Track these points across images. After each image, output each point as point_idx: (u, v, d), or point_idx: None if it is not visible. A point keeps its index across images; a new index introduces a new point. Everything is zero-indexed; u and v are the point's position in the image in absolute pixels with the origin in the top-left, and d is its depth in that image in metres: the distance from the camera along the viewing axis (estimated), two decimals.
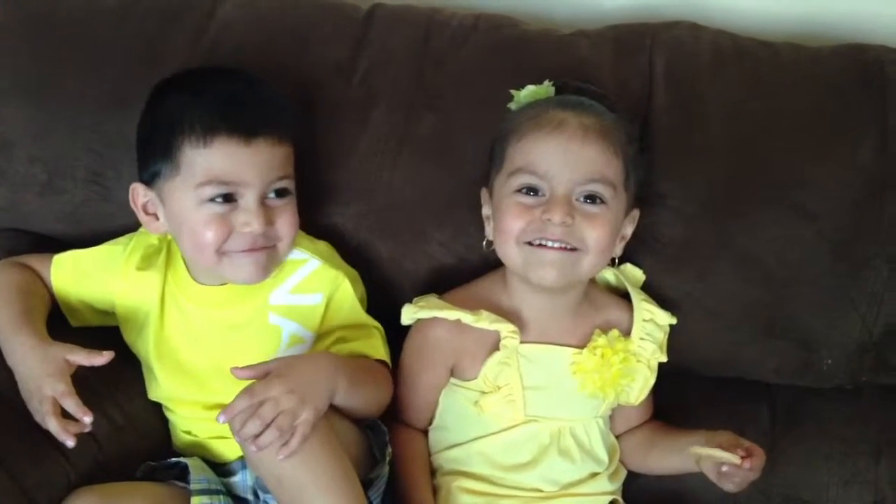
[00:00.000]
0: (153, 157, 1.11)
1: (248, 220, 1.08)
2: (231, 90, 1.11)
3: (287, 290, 1.16)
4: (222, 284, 1.15)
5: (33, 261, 1.20)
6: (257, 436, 0.96)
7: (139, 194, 1.13)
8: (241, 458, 1.14)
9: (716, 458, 1.09)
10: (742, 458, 1.08)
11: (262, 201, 1.09)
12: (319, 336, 1.17)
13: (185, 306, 1.17)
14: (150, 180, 1.12)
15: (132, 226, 1.21)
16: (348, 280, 1.17)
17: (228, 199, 1.08)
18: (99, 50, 1.25)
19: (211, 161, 1.07)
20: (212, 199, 1.08)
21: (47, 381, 1.04)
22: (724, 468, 1.09)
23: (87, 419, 1.03)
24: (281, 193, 1.11)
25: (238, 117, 1.07)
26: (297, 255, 1.17)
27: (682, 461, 1.16)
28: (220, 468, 1.16)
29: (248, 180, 1.08)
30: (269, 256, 1.12)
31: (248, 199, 1.08)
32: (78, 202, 1.25)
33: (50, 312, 1.17)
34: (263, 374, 1.00)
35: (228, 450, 1.16)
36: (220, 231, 1.08)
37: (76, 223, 1.27)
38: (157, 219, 1.13)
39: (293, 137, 1.13)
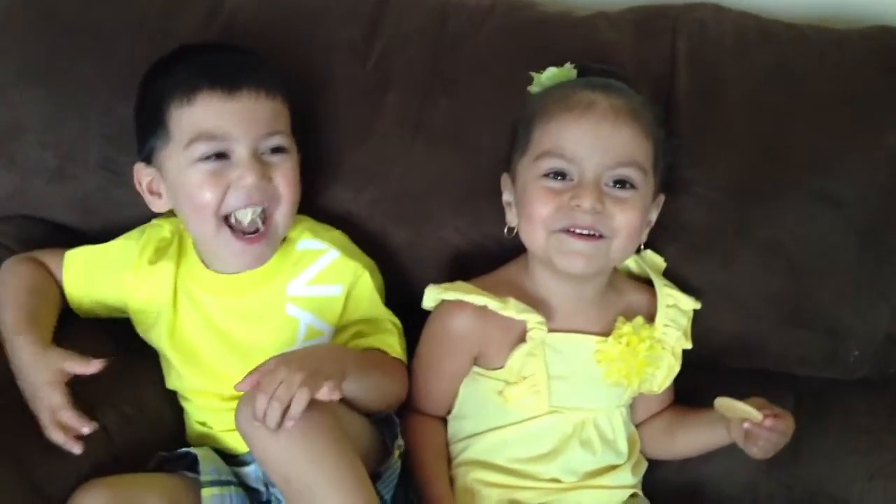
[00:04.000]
0: (147, 131, 1.11)
1: (241, 172, 1.07)
2: (211, 53, 1.13)
3: (305, 281, 1.15)
4: (238, 272, 1.14)
5: (47, 257, 1.19)
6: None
7: (142, 173, 1.13)
8: None
9: (737, 411, 1.07)
10: (766, 416, 1.05)
11: (256, 156, 1.08)
12: (337, 329, 1.15)
13: (198, 295, 1.15)
14: (148, 157, 1.12)
15: (143, 214, 1.20)
16: (367, 271, 1.15)
17: (220, 156, 1.07)
18: (110, 33, 1.23)
19: (196, 117, 1.07)
20: (203, 159, 1.07)
21: (44, 389, 1.03)
22: (746, 425, 1.07)
23: (86, 430, 1.02)
24: (276, 151, 1.10)
25: (218, 72, 1.08)
26: (316, 244, 1.15)
27: (712, 434, 1.15)
28: (233, 458, 1.15)
29: (236, 133, 1.07)
30: (264, 246, 1.11)
31: (240, 152, 1.07)
32: (89, 189, 1.24)
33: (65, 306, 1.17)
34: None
35: (242, 443, 1.12)
36: (216, 188, 1.07)
37: (87, 211, 1.25)
38: (161, 196, 1.12)
39: (284, 95, 1.12)
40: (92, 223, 1.25)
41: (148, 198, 1.14)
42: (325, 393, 0.94)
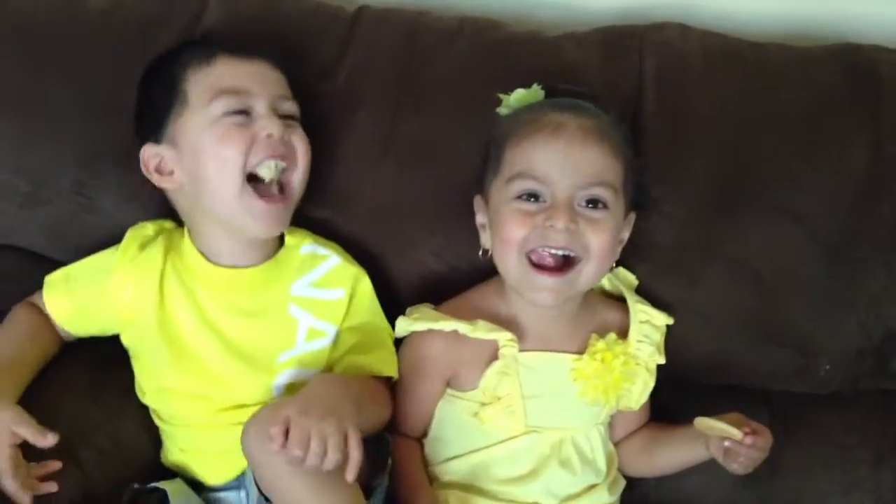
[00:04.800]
0: (158, 108, 1.12)
1: (265, 124, 1.09)
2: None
3: (308, 283, 1.16)
4: (244, 267, 1.14)
5: (38, 296, 1.18)
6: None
7: (148, 153, 1.13)
8: (237, 478, 1.11)
9: (717, 430, 1.07)
10: (745, 433, 1.05)
11: (276, 112, 1.11)
12: (340, 332, 1.15)
13: (192, 286, 1.14)
14: (158, 136, 1.12)
15: (116, 238, 1.19)
16: (366, 277, 1.17)
17: (241, 113, 1.10)
18: (82, 58, 1.23)
19: (216, 75, 1.10)
20: (226, 114, 1.09)
21: None
22: (727, 443, 1.07)
23: (26, 499, 0.98)
24: (289, 118, 1.13)
25: (233, 42, 1.14)
26: (318, 249, 1.18)
27: (692, 450, 1.14)
28: (210, 486, 1.13)
29: (256, 90, 1.10)
30: (283, 210, 1.12)
31: (260, 107, 1.10)
32: (62, 214, 1.23)
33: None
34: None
35: (225, 470, 1.12)
36: (240, 143, 1.08)
37: (59, 236, 1.25)
38: (173, 173, 1.12)
39: (288, 78, 1.16)
40: (64, 249, 1.24)
41: (156, 178, 1.13)
42: (357, 456, 0.93)
